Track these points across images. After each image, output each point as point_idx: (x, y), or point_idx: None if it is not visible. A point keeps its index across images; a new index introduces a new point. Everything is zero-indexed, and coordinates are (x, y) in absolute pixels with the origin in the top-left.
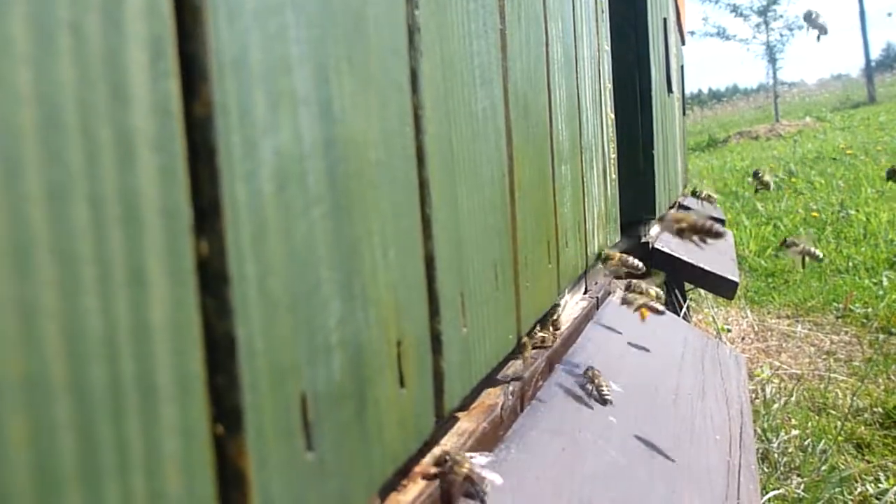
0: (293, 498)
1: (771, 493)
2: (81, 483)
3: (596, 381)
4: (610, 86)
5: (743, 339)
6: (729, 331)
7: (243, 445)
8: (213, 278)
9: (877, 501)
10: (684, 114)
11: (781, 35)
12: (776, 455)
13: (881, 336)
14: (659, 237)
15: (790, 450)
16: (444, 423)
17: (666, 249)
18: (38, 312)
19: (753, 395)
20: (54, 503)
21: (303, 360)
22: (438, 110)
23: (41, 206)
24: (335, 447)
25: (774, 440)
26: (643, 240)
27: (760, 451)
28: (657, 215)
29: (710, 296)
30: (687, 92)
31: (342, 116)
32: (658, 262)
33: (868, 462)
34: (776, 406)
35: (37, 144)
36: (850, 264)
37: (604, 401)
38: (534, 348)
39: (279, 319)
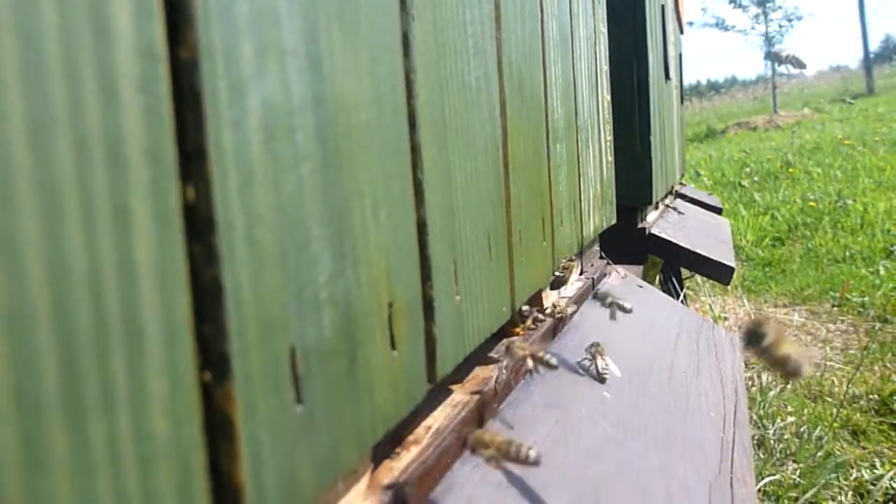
0: (282, 450)
1: (767, 479)
2: (66, 420)
3: (597, 357)
4: (606, 67)
5: (740, 327)
6: (726, 319)
7: (231, 393)
8: (199, 224)
9: (872, 487)
10: (682, 103)
11: (780, 26)
12: (772, 441)
13: (877, 324)
14: (656, 223)
15: (786, 436)
16: (438, 394)
17: (663, 235)
18: (20, 243)
19: (749, 383)
20: (38, 440)
21: (292, 313)
22: (430, 76)
23: (23, 138)
24: (325, 402)
25: (770, 427)
26: (640, 226)
27: (756, 437)
28: (654, 201)
29: (707, 285)
30: (685, 83)
31: (332, 74)
32: (655, 247)
33: (864, 448)
34: (772, 393)
35: (18, 78)
36: (847, 254)
37: (601, 378)
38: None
39: (267, 270)
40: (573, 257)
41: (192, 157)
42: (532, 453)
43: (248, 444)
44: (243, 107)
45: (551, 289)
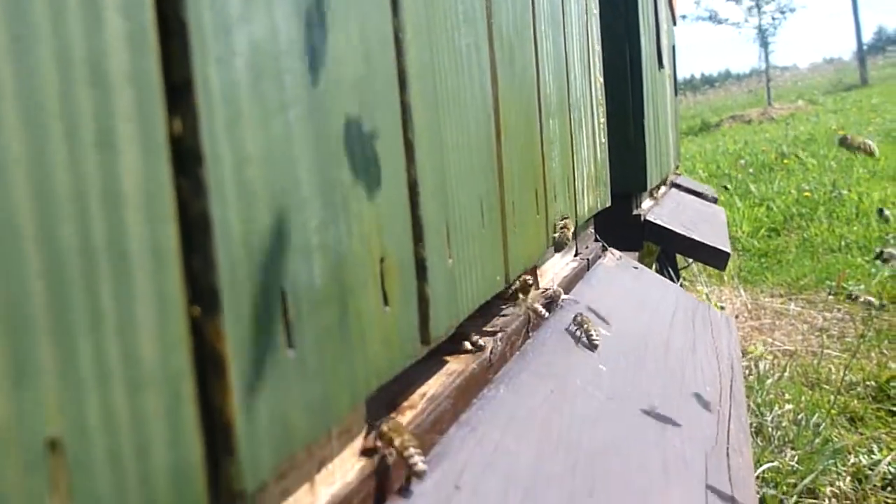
0: (274, 391)
1: (766, 466)
2: (53, 335)
3: (585, 326)
4: (598, 48)
5: (737, 317)
6: (722, 308)
7: (220, 327)
8: (187, 156)
9: (870, 472)
10: (676, 94)
11: (773, 18)
12: (770, 429)
13: (873, 312)
14: (651, 210)
15: (784, 424)
16: (434, 363)
17: (659, 222)
18: (4, 157)
19: (747, 372)
20: (25, 352)
21: (282, 255)
22: (420, 37)
23: (3, 47)
24: (317, 349)
25: (768, 414)
26: (635, 212)
27: (755, 425)
28: (649, 188)
29: (704, 275)
30: (680, 77)
31: (320, 24)
32: (650, 234)
33: (861, 434)
34: (770, 381)
35: None
36: (843, 243)
37: (592, 346)
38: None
39: (256, 208)
40: (567, 216)
41: (179, 90)
42: (420, 467)
43: (239, 381)
44: (230, 44)
45: (556, 251)
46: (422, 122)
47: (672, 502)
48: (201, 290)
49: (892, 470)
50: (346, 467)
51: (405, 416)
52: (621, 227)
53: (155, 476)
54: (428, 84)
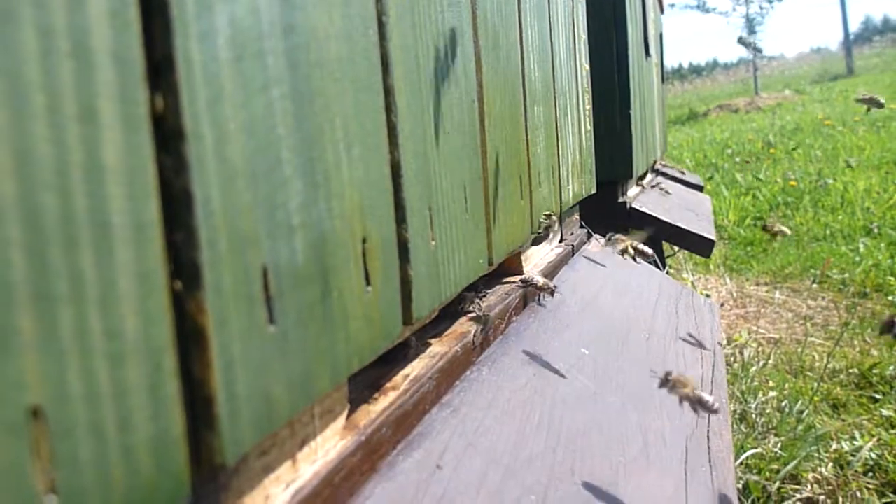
0: (255, 365)
1: (749, 452)
2: (33, 306)
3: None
4: (584, 36)
5: (722, 305)
6: (708, 296)
7: (202, 302)
8: (169, 134)
9: (852, 458)
10: (664, 82)
11: (761, 7)
12: (754, 416)
13: (857, 300)
14: (637, 198)
15: (767, 410)
16: (418, 347)
17: (644, 209)
18: None
19: (732, 359)
20: (5, 323)
21: (263, 232)
22: (403, 21)
23: None
24: (298, 326)
25: (752, 401)
26: (621, 200)
27: (739, 412)
28: (635, 175)
29: (690, 263)
30: (667, 66)
31: (303, 5)
32: (636, 221)
33: (843, 421)
34: (754, 369)
35: None
36: (828, 232)
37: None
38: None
39: (238, 186)
40: (552, 213)
41: (161, 68)
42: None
43: (220, 355)
44: (211, 22)
45: (533, 244)
46: (405, 105)
47: (652, 482)
48: (183, 266)
49: (873, 456)
50: (329, 446)
51: (388, 397)
52: (607, 214)
53: (137, 448)
54: (411, 67)
